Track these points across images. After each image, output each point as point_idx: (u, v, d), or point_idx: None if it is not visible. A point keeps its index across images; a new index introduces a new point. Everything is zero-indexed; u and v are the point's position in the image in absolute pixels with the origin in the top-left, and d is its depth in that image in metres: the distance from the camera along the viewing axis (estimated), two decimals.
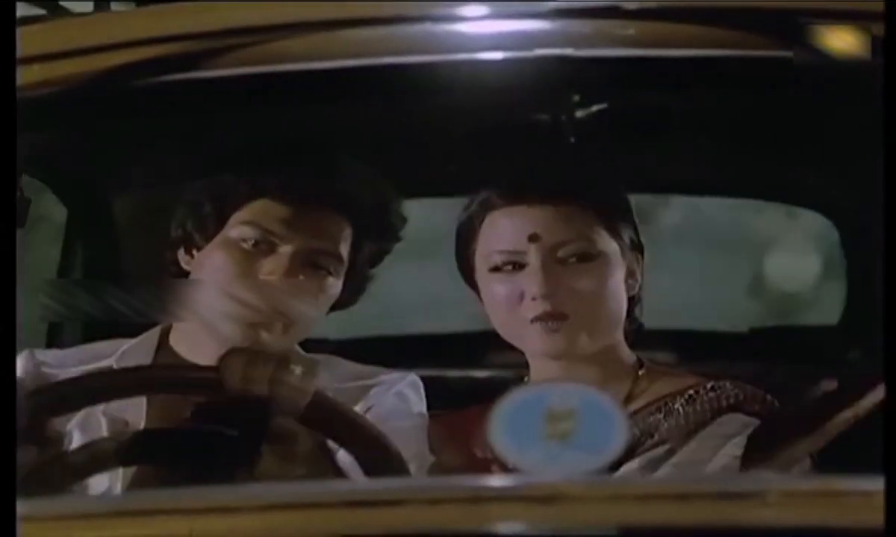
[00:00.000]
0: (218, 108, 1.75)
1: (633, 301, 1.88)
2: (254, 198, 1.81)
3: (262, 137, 1.89)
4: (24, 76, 1.48)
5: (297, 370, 1.54)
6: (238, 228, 1.81)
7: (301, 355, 1.82)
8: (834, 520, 1.20)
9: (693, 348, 2.66)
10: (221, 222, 1.83)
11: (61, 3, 1.66)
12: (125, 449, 1.58)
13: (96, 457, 1.56)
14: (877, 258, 2.74)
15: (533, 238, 1.81)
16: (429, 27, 1.51)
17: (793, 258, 5.22)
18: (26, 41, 1.49)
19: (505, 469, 1.45)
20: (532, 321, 1.80)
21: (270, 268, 1.80)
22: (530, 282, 1.80)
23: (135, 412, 1.80)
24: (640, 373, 1.86)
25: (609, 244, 1.83)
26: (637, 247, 1.88)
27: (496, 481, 1.31)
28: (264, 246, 1.80)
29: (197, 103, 1.65)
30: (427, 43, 1.52)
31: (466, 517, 1.22)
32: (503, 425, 1.30)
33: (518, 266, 1.82)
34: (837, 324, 3.03)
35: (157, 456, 1.61)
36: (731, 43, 1.50)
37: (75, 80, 1.54)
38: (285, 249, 1.80)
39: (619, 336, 1.86)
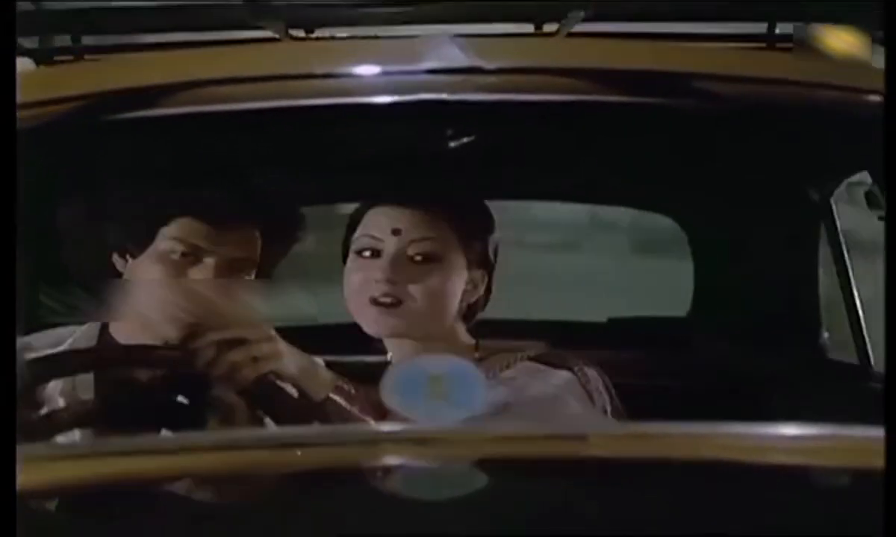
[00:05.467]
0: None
1: (475, 306, 2.10)
2: (178, 216, 1.98)
3: (188, 164, 2.08)
4: None
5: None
6: (167, 242, 1.97)
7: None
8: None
9: (556, 338, 2.74)
10: (151, 235, 2.00)
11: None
12: (95, 412, 1.89)
13: (72, 418, 1.89)
14: (722, 256, 2.93)
15: (395, 231, 2.03)
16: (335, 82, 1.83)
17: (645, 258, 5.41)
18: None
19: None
20: (370, 301, 2.01)
21: (197, 276, 1.97)
22: (379, 267, 2.01)
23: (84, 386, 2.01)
24: (476, 355, 2.07)
25: (457, 255, 2.05)
26: (485, 265, 2.09)
27: (388, 427, 1.59)
28: (191, 257, 1.97)
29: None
30: (338, 89, 1.82)
31: (365, 455, 1.40)
32: (394, 389, 1.57)
33: (376, 253, 2.03)
34: (686, 316, 3.32)
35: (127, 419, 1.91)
36: (570, 89, 1.83)
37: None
38: (209, 260, 1.97)
39: (457, 325, 2.08)
